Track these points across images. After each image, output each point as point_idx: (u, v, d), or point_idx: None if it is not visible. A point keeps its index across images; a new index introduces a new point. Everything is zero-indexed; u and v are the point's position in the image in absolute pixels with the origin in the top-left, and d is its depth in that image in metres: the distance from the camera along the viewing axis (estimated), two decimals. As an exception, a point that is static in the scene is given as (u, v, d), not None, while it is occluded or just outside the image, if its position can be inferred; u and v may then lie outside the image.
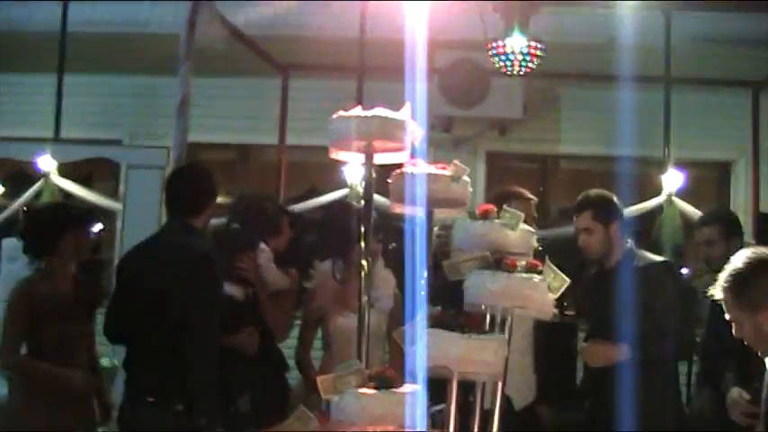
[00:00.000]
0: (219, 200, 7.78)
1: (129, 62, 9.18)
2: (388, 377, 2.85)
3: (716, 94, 8.79)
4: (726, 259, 4.42)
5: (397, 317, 4.34)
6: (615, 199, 4.81)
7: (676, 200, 7.95)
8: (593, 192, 4.86)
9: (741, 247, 4.58)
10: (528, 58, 7.02)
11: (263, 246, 5.02)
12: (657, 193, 8.18)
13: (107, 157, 8.64)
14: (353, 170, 8.07)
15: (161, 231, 4.86)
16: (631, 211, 8.16)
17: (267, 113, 8.78)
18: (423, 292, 3.27)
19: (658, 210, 8.13)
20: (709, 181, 9.47)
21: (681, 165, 8.06)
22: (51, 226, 4.97)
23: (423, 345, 2.84)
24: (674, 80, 8.16)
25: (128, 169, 8.11)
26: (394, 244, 5.19)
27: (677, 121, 8.20)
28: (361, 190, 7.92)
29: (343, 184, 8.32)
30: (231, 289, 4.82)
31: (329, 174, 9.04)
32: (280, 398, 5.02)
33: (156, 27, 8.90)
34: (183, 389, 4.37)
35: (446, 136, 9.14)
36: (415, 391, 2.84)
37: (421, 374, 2.97)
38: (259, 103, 9.05)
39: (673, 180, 7.97)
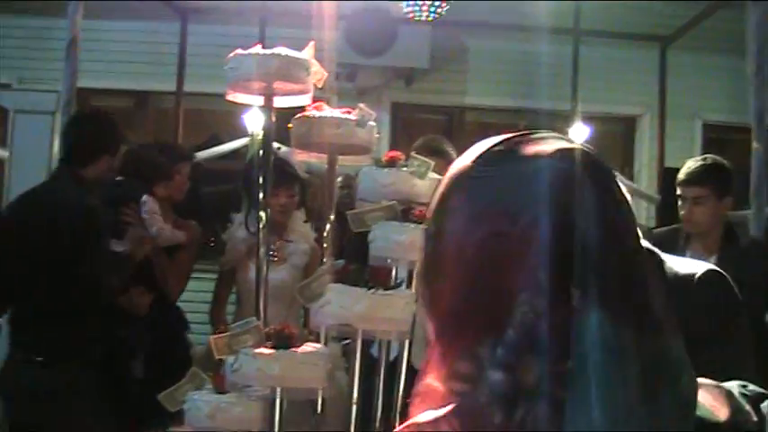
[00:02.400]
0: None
1: (18, 2, 8.69)
2: (288, 335, 2.65)
3: (624, 48, 8.74)
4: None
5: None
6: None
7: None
8: (714, 158, 4.59)
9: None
10: (438, 3, 6.82)
11: (145, 197, 4.76)
12: (564, 146, 8.10)
13: (-6, 100, 8.23)
14: (254, 117, 7.78)
15: (46, 181, 4.59)
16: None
17: (165, 59, 8.42)
18: (324, 245, 3.10)
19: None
20: (615, 135, 9.45)
21: (587, 119, 7.98)
22: None
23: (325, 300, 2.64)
24: (582, 33, 8.05)
25: (15, 114, 7.72)
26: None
27: (585, 75, 8.11)
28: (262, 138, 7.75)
29: (244, 133, 8.04)
30: (117, 245, 4.56)
31: (230, 122, 8.75)
32: (178, 359, 4.79)
33: (46, -36, 8.44)
34: (70, 346, 4.16)
35: (350, 86, 8.91)
36: (316, 351, 2.65)
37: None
38: (157, 48, 8.67)
39: (579, 134, 7.89)
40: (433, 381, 1.06)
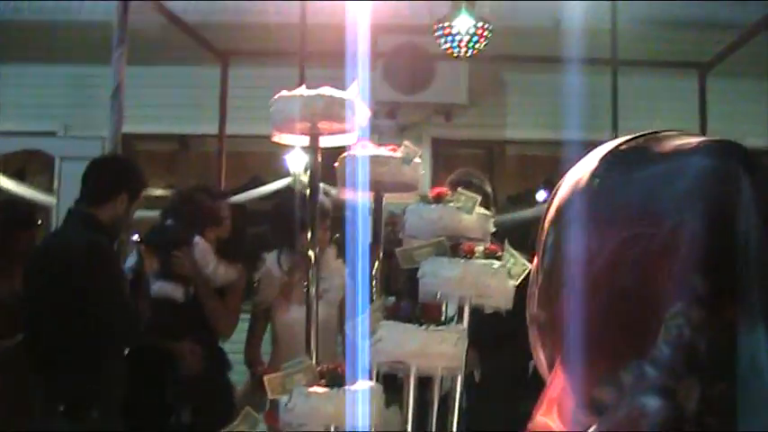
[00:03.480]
0: (159, 192, 7.58)
1: (62, 51, 8.86)
2: (340, 374, 2.66)
3: (663, 76, 8.71)
4: None
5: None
6: None
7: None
8: None
9: None
10: (476, 39, 6.85)
11: (197, 239, 4.81)
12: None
13: (40, 149, 8.35)
14: (296, 158, 7.86)
15: (61, 224, 4.61)
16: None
17: (206, 102, 8.52)
18: (374, 282, 3.10)
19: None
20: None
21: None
22: (4, 224, 4.76)
23: (377, 339, 2.64)
24: (621, 63, 8.05)
25: (62, 161, 7.84)
26: (337, 234, 5.01)
27: (624, 105, 8.10)
28: (304, 178, 7.80)
29: (285, 173, 8.10)
30: (169, 289, 4.61)
31: (271, 163, 8.84)
32: (224, 400, 4.82)
33: (89, 14, 8.59)
34: (88, 393, 4.13)
35: (390, 123, 8.96)
36: (368, 389, 2.65)
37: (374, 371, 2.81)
38: (198, 92, 8.78)
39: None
40: (548, 419, 0.96)
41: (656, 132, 1.03)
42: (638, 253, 0.90)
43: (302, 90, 3.09)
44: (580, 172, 1.00)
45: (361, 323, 2.75)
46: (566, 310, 0.95)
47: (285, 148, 7.90)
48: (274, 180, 8.42)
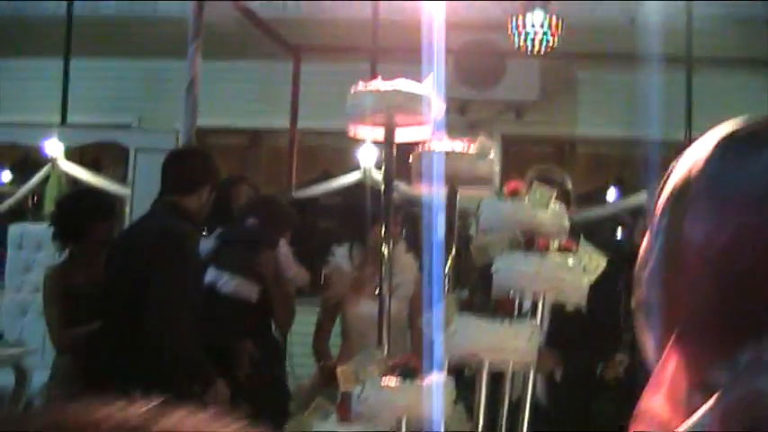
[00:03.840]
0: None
1: (138, 45, 9.00)
2: (413, 367, 2.67)
3: (737, 74, 8.57)
4: None
5: (420, 303, 4.15)
6: None
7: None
8: None
9: None
10: (549, 35, 6.81)
11: (282, 242, 4.88)
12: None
13: (115, 140, 8.49)
14: (367, 153, 7.88)
15: (147, 213, 4.66)
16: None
17: (278, 97, 8.59)
18: (447, 277, 3.10)
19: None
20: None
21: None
22: (84, 213, 4.87)
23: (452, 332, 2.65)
24: (695, 61, 7.94)
25: (136, 153, 7.96)
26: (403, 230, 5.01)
27: (698, 103, 7.99)
28: (375, 173, 7.83)
29: (356, 168, 8.13)
30: (247, 288, 4.68)
31: (342, 157, 8.87)
32: (279, 393, 4.89)
33: (165, 9, 8.71)
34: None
35: (460, 119, 8.94)
36: (441, 382, 2.65)
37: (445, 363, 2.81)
38: (270, 87, 8.86)
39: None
40: (656, 401, 0.94)
41: None
42: (757, 237, 0.89)
43: (378, 84, 3.10)
44: (696, 155, 0.99)
45: (435, 317, 2.75)
46: (682, 292, 0.93)
47: (356, 142, 7.96)
48: (344, 174, 8.44)
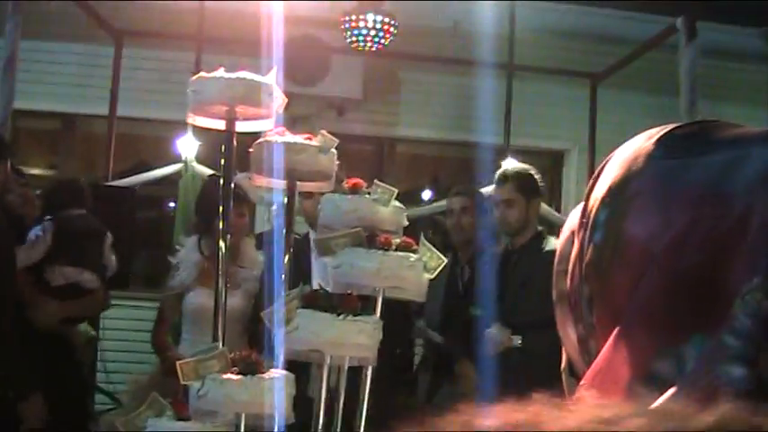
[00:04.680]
0: (40, 172, 7.37)
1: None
2: (254, 362, 2.63)
3: (556, 84, 8.89)
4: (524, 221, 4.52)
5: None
6: (537, 177, 4.75)
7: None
8: (517, 165, 4.82)
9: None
10: (381, 34, 6.86)
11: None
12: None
13: None
14: (187, 143, 7.70)
15: None
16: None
17: (97, 82, 8.28)
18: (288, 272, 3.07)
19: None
20: (544, 169, 9.58)
21: (517, 153, 8.08)
22: None
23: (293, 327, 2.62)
24: (516, 68, 8.19)
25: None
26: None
27: (517, 109, 8.24)
28: (195, 164, 7.67)
29: (176, 159, 7.94)
30: (83, 276, 4.55)
31: (160, 147, 8.65)
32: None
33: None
34: None
35: (282, 114, 8.86)
36: (281, 377, 2.63)
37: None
38: (89, 71, 8.53)
39: (512, 167, 7.98)
40: (592, 392, 0.94)
41: (706, 121, 1.05)
42: (705, 233, 0.92)
43: (221, 72, 3.04)
44: (632, 153, 1.00)
45: (275, 312, 2.72)
46: (624, 286, 0.94)
47: (175, 132, 7.78)
48: (161, 165, 8.22)
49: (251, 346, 3.25)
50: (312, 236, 4.30)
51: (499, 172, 4.88)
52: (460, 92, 8.63)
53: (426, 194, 9.96)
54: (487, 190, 8.10)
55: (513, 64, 8.08)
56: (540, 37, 8.48)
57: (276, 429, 2.72)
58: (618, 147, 1.10)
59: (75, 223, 4.81)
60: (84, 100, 8.52)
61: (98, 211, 5.21)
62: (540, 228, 4.72)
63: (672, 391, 0.88)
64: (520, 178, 4.72)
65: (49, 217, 4.72)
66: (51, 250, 4.62)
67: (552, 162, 9.53)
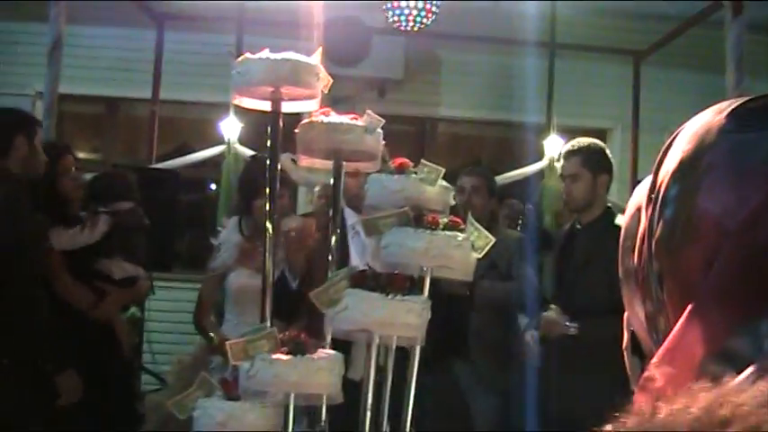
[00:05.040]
0: (84, 155, 7.46)
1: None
2: (303, 342, 2.63)
3: (599, 62, 8.81)
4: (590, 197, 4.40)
5: (312, 277, 4.08)
6: (607, 151, 4.62)
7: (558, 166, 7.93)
8: (585, 139, 4.63)
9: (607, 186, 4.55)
10: (423, 13, 6.83)
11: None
12: (539, 158, 8.18)
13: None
14: (230, 125, 7.73)
15: None
16: (513, 176, 8.13)
17: (140, 66, 8.34)
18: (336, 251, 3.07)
19: (539, 176, 8.11)
20: (587, 148, 9.51)
21: (561, 132, 8.03)
22: None
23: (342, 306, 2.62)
24: (558, 46, 8.12)
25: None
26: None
27: (559, 88, 8.18)
28: (237, 146, 7.70)
29: (218, 141, 7.98)
30: (138, 271, 4.70)
31: (202, 130, 8.70)
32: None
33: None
34: None
35: (324, 95, 8.85)
36: (332, 357, 2.63)
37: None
38: (132, 55, 8.58)
39: (555, 146, 7.94)
40: (665, 370, 0.92)
41: None
42: None
43: (266, 53, 3.03)
44: (703, 127, 0.97)
45: (324, 291, 2.72)
46: (696, 262, 0.92)
47: (217, 114, 7.82)
48: (203, 147, 8.26)
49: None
50: (348, 215, 4.30)
51: (566, 146, 4.69)
52: (502, 71, 8.59)
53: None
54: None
55: (555, 42, 8.02)
56: (583, 15, 8.40)
57: (324, 409, 2.74)
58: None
59: (127, 218, 4.88)
60: (128, 84, 8.59)
61: (141, 195, 5.25)
62: (608, 204, 4.54)
63: (751, 369, 0.86)
64: (586, 152, 4.49)
65: (102, 209, 4.77)
66: (105, 243, 4.69)
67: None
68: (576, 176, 4.43)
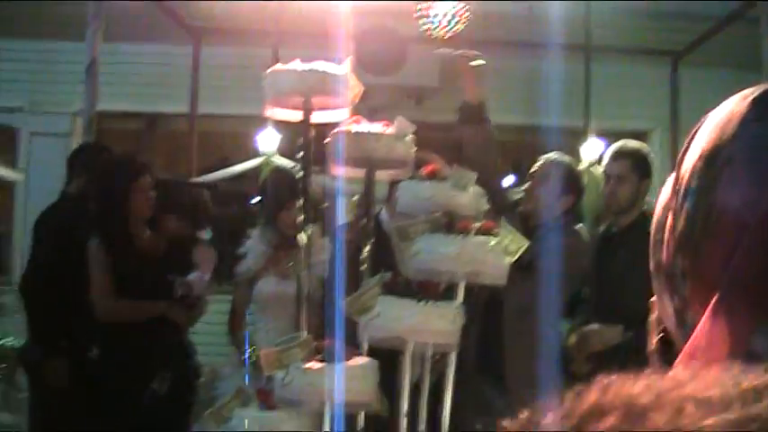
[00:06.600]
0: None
1: (31, 26, 8.69)
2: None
3: (635, 64, 8.75)
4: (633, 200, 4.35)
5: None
6: (651, 156, 4.60)
7: (597, 169, 7.88)
8: (634, 141, 4.64)
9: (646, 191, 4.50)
10: (455, 20, 6.83)
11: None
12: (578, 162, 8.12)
13: (7, 123, 8.21)
14: (267, 139, 7.78)
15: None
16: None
17: (177, 81, 8.41)
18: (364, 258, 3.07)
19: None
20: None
21: (600, 135, 7.98)
22: None
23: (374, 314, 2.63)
24: (594, 49, 8.08)
25: (30, 137, 7.72)
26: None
27: (596, 91, 8.13)
28: (275, 159, 7.73)
29: (255, 154, 8.02)
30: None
31: (241, 143, 8.75)
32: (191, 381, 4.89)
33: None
34: None
35: (360, 105, 8.88)
36: (366, 364, 2.64)
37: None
38: (169, 70, 8.66)
39: (593, 149, 7.89)
40: (690, 370, 0.92)
41: None
42: None
43: (296, 64, 3.05)
44: (725, 115, 0.94)
45: (357, 299, 2.73)
46: (718, 257, 0.90)
47: (256, 127, 7.86)
48: (242, 161, 8.32)
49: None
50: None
51: (614, 147, 4.67)
52: (537, 76, 8.54)
53: (508, 180, 9.89)
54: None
55: (591, 45, 7.97)
56: (618, 17, 8.34)
57: (363, 417, 2.75)
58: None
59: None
60: (165, 99, 8.66)
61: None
62: (645, 207, 4.52)
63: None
64: (636, 156, 4.51)
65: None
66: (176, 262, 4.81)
67: (635, 142, 9.38)
68: (623, 179, 4.42)
